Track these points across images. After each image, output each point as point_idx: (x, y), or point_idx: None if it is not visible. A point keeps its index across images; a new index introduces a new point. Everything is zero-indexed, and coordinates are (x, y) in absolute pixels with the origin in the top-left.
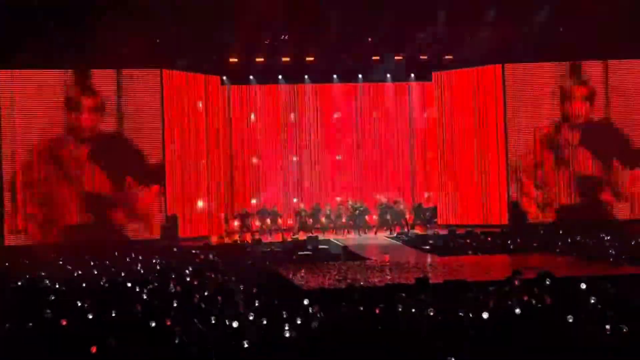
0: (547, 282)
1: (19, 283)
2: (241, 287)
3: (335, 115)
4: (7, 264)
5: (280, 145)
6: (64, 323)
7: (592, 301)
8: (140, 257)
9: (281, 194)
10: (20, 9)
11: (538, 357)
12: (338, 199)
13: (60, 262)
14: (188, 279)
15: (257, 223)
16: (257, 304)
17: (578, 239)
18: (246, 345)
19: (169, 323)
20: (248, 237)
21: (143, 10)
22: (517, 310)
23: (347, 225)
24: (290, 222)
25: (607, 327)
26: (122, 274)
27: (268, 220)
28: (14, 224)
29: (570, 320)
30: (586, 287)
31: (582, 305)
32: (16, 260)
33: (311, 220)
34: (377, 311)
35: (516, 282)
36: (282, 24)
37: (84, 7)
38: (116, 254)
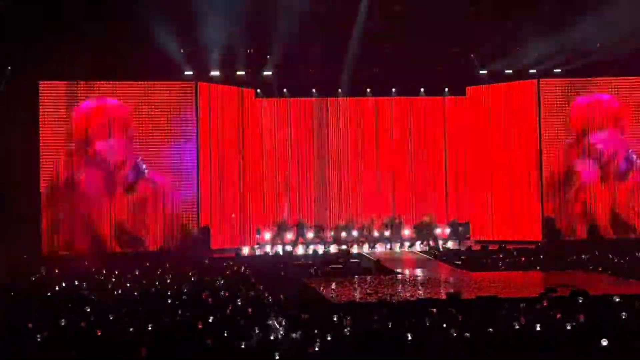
0: (581, 300)
1: (56, 291)
2: (272, 299)
3: (368, 129)
4: (44, 273)
5: (313, 158)
6: (99, 333)
7: (626, 319)
8: (172, 269)
9: (313, 208)
10: (58, 21)
11: None
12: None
13: (95, 273)
14: (220, 291)
15: (291, 236)
16: (288, 317)
17: (613, 256)
18: (277, 358)
19: (200, 333)
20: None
21: (179, 23)
22: (550, 328)
23: (380, 239)
24: (322, 235)
25: None
26: (154, 286)
27: (309, 233)
28: (51, 233)
29: (604, 344)
30: (621, 305)
31: (616, 324)
32: (53, 269)
33: (344, 233)
34: (408, 326)
35: (547, 300)
36: (316, 38)
37: (118, 20)
38: (147, 264)
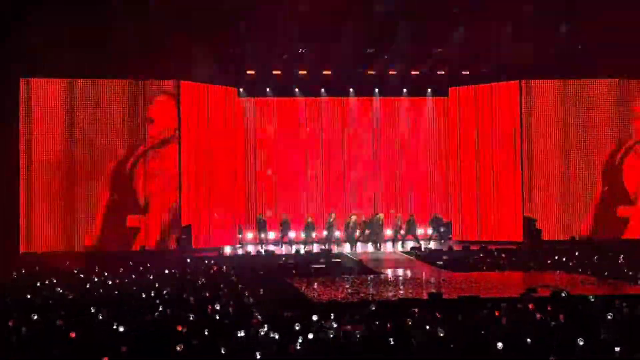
0: (561, 300)
1: (34, 290)
2: (254, 298)
3: (351, 129)
4: (22, 271)
5: (295, 158)
6: (73, 335)
7: (607, 319)
8: (154, 268)
9: (296, 206)
10: (38, 19)
11: None
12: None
13: (75, 271)
14: (202, 290)
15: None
16: (270, 316)
17: (594, 257)
18: (259, 358)
19: (182, 333)
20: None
21: (161, 21)
22: (530, 328)
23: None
24: (303, 234)
25: (617, 349)
26: (135, 285)
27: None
28: (29, 232)
29: (582, 343)
30: (600, 305)
31: (595, 324)
32: (31, 268)
33: (327, 232)
34: (390, 326)
35: (530, 300)
36: (300, 37)
37: (99, 18)
38: (130, 263)
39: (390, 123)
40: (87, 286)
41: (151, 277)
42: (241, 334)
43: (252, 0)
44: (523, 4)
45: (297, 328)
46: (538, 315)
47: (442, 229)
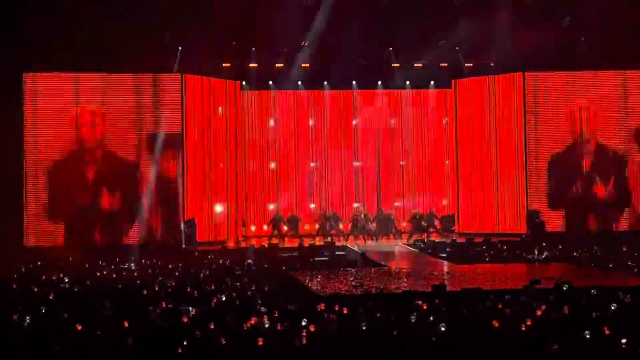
0: (565, 292)
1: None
2: (257, 291)
3: (354, 122)
4: (30, 265)
5: (298, 151)
6: (79, 328)
7: (611, 310)
8: (159, 261)
9: (299, 200)
10: (41, 13)
11: None
12: (355, 205)
13: (79, 265)
14: (206, 283)
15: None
16: (273, 309)
17: (596, 249)
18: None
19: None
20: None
21: (164, 15)
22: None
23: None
24: (308, 227)
25: (623, 340)
26: (139, 278)
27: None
28: (35, 224)
29: (587, 335)
30: (603, 297)
31: (599, 315)
32: (35, 261)
33: (329, 225)
34: (394, 318)
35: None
36: (302, 31)
37: (103, 12)
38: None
39: (394, 116)
40: (92, 280)
41: (156, 271)
42: (245, 326)
43: None
44: None
45: (301, 320)
46: (543, 307)
47: (445, 222)
